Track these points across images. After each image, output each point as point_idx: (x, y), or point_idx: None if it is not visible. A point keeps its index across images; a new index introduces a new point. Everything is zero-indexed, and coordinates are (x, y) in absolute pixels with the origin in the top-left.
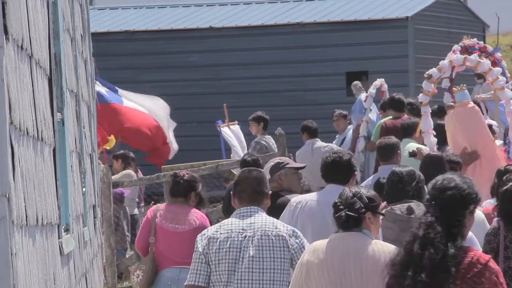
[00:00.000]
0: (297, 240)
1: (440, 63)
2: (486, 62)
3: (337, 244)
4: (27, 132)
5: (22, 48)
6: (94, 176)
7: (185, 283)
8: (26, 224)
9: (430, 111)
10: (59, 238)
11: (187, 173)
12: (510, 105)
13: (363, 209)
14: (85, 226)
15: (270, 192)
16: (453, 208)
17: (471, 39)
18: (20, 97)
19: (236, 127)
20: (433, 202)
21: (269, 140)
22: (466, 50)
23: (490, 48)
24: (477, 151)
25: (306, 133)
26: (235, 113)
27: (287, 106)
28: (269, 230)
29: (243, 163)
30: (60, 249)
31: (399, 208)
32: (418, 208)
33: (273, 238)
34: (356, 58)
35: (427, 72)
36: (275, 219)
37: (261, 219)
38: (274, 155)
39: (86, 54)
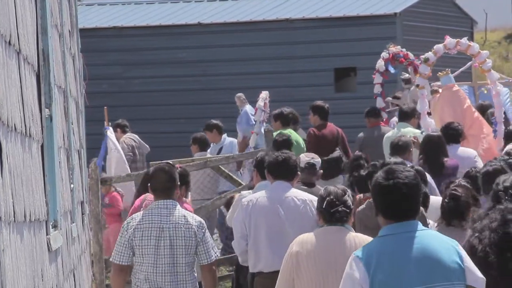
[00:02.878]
0: (203, 230)
1: (435, 46)
2: (475, 46)
3: (323, 237)
4: (15, 128)
5: (10, 44)
6: (82, 172)
7: (112, 261)
8: (14, 221)
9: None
10: (47, 235)
11: (180, 166)
12: (496, 86)
13: (352, 206)
14: (73, 223)
15: (178, 183)
16: None
17: (396, 46)
18: (8, 93)
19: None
20: (510, 192)
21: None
22: (393, 57)
23: (411, 56)
24: (464, 132)
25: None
26: (223, 110)
27: (275, 102)
28: (181, 222)
29: (274, 142)
30: (48, 245)
31: None
32: None
33: (185, 229)
34: (344, 54)
35: (423, 56)
36: (186, 212)
37: (175, 212)
38: (262, 150)
39: (74, 50)
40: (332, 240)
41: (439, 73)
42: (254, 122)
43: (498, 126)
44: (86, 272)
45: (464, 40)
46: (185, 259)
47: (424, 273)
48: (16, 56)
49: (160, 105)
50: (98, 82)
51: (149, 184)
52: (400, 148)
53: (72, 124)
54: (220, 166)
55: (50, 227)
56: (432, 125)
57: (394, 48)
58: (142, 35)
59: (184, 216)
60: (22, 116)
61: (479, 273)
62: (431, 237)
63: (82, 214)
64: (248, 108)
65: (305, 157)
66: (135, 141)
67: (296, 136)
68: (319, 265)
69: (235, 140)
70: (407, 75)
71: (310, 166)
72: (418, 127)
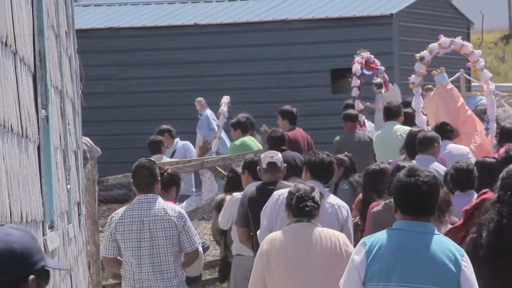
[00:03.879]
0: (183, 220)
1: (430, 45)
2: (469, 45)
3: (292, 234)
4: (12, 129)
5: (6, 44)
6: (78, 173)
7: (102, 255)
8: (11, 221)
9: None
10: (43, 235)
11: (170, 168)
12: (488, 84)
13: (320, 202)
14: (69, 223)
15: (159, 178)
16: None
17: (366, 52)
18: (4, 94)
19: None
20: (509, 192)
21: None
22: (367, 62)
23: (378, 63)
24: (457, 129)
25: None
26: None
27: (272, 103)
28: (160, 215)
29: (269, 139)
30: (44, 246)
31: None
32: None
33: (164, 221)
34: (341, 55)
35: (419, 54)
36: (167, 204)
37: (155, 206)
38: (261, 151)
39: (71, 51)
40: (300, 236)
41: (433, 71)
42: (214, 127)
43: (490, 124)
44: (83, 273)
45: (458, 39)
46: (166, 249)
47: (416, 273)
48: (12, 57)
49: (157, 106)
50: (95, 83)
51: (131, 180)
52: (426, 143)
53: (68, 125)
54: (216, 167)
55: (47, 228)
56: (425, 122)
57: (365, 53)
58: (138, 36)
59: (164, 208)
60: (18, 117)
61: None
62: (438, 242)
63: (79, 215)
64: (208, 112)
65: (265, 157)
66: (87, 145)
67: (257, 143)
68: (289, 261)
69: (188, 143)
70: (378, 79)
71: (272, 164)
72: (405, 123)
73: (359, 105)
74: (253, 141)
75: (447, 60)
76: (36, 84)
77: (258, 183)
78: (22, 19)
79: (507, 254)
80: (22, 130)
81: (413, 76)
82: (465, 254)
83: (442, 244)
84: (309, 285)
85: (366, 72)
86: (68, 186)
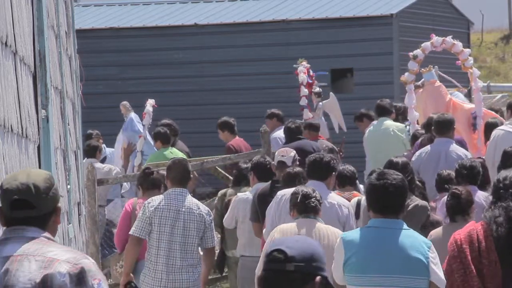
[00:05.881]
0: (210, 218)
1: (422, 44)
2: (459, 44)
3: (302, 226)
4: (12, 129)
5: (6, 45)
6: (78, 173)
7: (132, 234)
8: None
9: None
10: None
11: (157, 171)
12: (477, 82)
13: (321, 201)
14: (69, 223)
15: (191, 175)
16: None
17: (304, 62)
18: (4, 94)
19: None
20: (510, 191)
21: None
22: (308, 71)
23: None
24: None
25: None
26: (220, 110)
27: (272, 103)
28: (194, 209)
29: (288, 130)
30: None
31: None
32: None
33: (197, 214)
34: (340, 55)
35: (412, 53)
36: (197, 201)
37: (188, 199)
38: (259, 152)
39: (71, 51)
40: (308, 230)
41: (422, 69)
42: (138, 128)
43: (477, 120)
44: None
45: (449, 38)
46: (194, 239)
47: (387, 264)
48: (12, 57)
49: (157, 106)
50: (95, 83)
51: (165, 174)
52: (445, 125)
53: (68, 125)
54: (216, 167)
55: None
56: (417, 118)
57: (305, 63)
58: (138, 36)
59: (196, 203)
60: (18, 117)
61: (441, 275)
62: (408, 236)
63: (79, 215)
64: (133, 115)
65: (278, 155)
66: None
67: (177, 153)
68: None
69: (112, 149)
70: (318, 88)
71: (281, 164)
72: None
73: (307, 114)
74: (172, 153)
75: (437, 60)
76: (36, 84)
77: (263, 184)
78: (22, 19)
79: None
80: (22, 130)
81: (406, 73)
82: (432, 245)
83: (412, 237)
84: None
85: (310, 81)
86: (68, 186)
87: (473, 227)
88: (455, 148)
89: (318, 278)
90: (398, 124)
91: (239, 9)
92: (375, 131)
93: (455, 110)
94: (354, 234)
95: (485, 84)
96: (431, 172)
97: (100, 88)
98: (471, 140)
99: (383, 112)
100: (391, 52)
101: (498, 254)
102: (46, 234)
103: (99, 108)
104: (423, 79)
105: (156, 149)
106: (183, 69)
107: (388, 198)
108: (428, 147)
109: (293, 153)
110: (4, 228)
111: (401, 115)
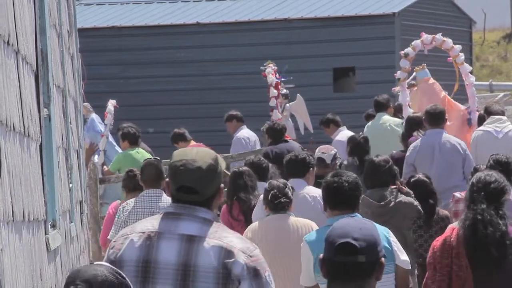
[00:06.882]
0: None
1: (413, 42)
2: (449, 41)
3: (271, 223)
4: (14, 128)
5: (8, 43)
6: (80, 172)
7: (110, 238)
8: (13, 220)
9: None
10: (45, 234)
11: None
12: (469, 77)
13: (292, 197)
14: (71, 222)
15: (165, 175)
16: (496, 197)
17: (271, 64)
18: (6, 93)
19: None
20: (482, 193)
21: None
22: (275, 72)
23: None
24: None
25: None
26: (221, 109)
27: None
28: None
29: (270, 129)
30: (46, 245)
31: (370, 195)
32: (391, 194)
33: None
34: (343, 54)
35: (403, 51)
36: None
37: (164, 200)
38: (261, 151)
39: (73, 50)
40: (278, 225)
41: (416, 68)
42: (99, 129)
43: (472, 114)
44: None
45: (439, 36)
46: None
47: None
48: (14, 56)
49: (159, 105)
50: (97, 82)
51: (139, 176)
52: (437, 116)
53: (70, 124)
54: None
55: (49, 226)
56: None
57: (272, 65)
58: (140, 35)
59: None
60: (20, 115)
61: (405, 256)
62: None
63: (81, 213)
64: (94, 116)
65: (318, 152)
66: None
67: (144, 155)
68: (269, 247)
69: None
70: (285, 90)
71: (320, 160)
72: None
73: (277, 114)
74: (139, 153)
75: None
76: (38, 83)
77: (260, 183)
78: (24, 18)
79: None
80: (24, 129)
81: (398, 72)
82: (390, 231)
83: None
84: (285, 270)
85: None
86: (70, 185)
87: (450, 233)
88: (447, 137)
89: (383, 259)
90: (395, 119)
91: (241, 8)
92: (374, 127)
93: (450, 108)
94: (316, 234)
95: (487, 83)
96: (428, 163)
97: (102, 87)
98: (465, 138)
99: (380, 107)
100: (393, 51)
101: (468, 258)
102: (215, 215)
103: (101, 107)
104: (413, 74)
105: (120, 149)
106: (185, 68)
107: (343, 194)
108: (418, 141)
109: (334, 151)
110: (171, 202)
111: (399, 112)
